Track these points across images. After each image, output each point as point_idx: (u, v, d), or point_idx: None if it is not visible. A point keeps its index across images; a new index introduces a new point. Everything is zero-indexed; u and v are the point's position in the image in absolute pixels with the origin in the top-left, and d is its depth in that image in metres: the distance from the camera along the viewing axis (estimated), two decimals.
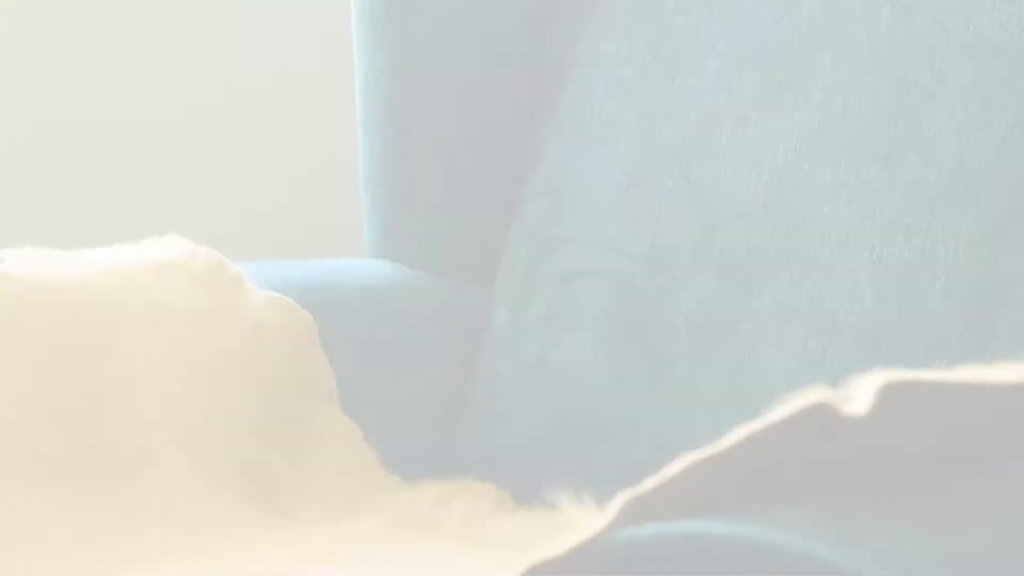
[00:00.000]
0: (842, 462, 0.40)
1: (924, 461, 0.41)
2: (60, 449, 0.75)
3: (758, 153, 0.79)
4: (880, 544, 0.37)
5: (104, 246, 0.83)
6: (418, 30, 0.90)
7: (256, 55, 1.21)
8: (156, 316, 0.80)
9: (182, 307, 0.81)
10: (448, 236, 0.93)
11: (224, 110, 1.23)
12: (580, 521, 0.40)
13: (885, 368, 0.40)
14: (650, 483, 0.37)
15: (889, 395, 0.35)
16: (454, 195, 0.93)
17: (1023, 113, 0.75)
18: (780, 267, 0.77)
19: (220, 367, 0.80)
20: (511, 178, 0.90)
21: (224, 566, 0.73)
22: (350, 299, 0.87)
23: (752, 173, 0.79)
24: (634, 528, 0.38)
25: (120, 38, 1.23)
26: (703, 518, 0.38)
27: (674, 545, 0.38)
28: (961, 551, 0.39)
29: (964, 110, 0.77)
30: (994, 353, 0.71)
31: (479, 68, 0.91)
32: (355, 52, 0.92)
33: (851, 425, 0.35)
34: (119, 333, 0.78)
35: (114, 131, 1.22)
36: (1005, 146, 0.75)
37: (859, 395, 0.35)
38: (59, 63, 1.21)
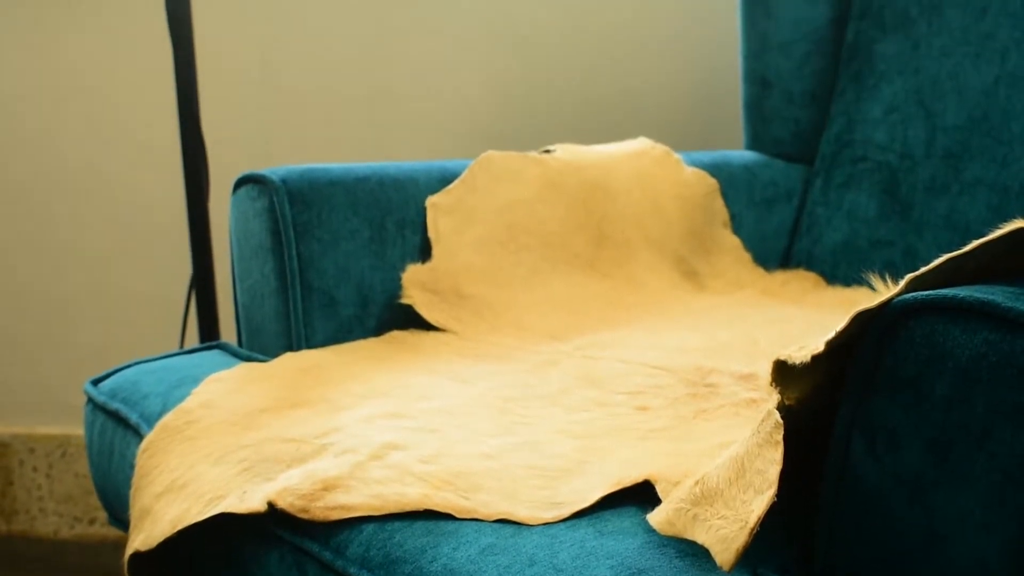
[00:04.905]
0: None
1: None
2: (585, 250, 0.90)
3: (967, 89, 0.93)
4: None
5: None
6: None
7: None
8: (635, 179, 0.95)
9: (648, 174, 0.96)
10: (790, 138, 1.09)
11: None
12: (872, 294, 0.45)
13: None
14: (923, 269, 0.38)
15: None
16: (795, 119, 1.04)
17: None
18: (976, 157, 0.92)
19: (668, 205, 0.97)
20: (825, 105, 1.05)
21: (670, 314, 0.83)
22: (736, 171, 1.04)
23: (962, 103, 0.93)
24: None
25: None
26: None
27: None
28: None
29: None
30: None
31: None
32: None
33: None
34: (615, 188, 0.93)
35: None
36: None
37: None
38: None
